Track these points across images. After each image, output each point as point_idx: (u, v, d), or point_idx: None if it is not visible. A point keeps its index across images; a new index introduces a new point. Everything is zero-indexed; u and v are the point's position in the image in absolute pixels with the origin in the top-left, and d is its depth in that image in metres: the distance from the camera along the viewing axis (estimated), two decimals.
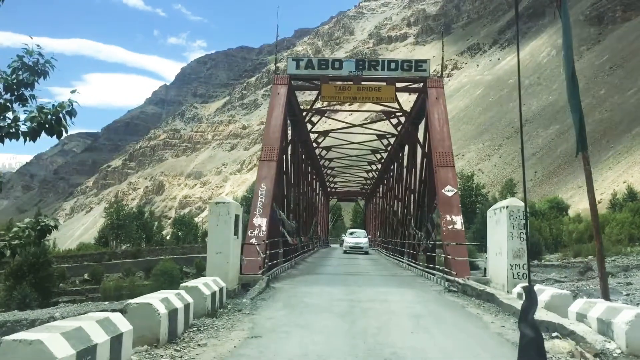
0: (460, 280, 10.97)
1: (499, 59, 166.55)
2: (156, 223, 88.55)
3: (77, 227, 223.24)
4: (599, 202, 65.24)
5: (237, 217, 10.76)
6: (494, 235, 10.88)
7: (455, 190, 14.19)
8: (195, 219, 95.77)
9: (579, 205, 63.61)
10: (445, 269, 12.82)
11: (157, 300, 5.94)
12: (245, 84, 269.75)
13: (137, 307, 5.73)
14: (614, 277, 19.53)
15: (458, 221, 13.46)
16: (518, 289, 9.45)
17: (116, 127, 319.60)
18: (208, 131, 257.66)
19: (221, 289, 8.72)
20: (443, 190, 14.23)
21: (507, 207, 10.14)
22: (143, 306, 5.78)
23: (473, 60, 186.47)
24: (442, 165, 14.82)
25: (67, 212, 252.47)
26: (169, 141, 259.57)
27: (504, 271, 10.23)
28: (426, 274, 15.63)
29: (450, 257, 12.41)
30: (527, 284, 4.86)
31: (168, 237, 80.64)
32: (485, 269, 11.55)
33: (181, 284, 7.99)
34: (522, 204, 10.37)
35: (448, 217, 13.61)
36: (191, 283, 8.06)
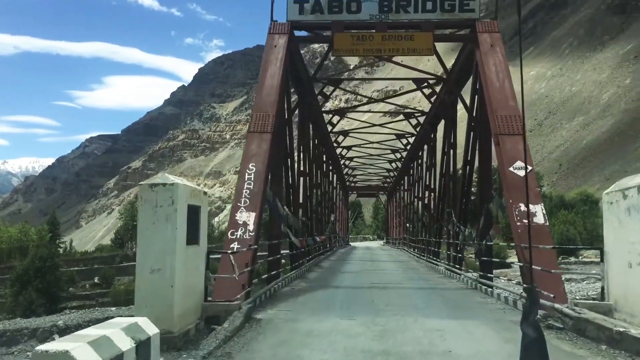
0: (568, 311, 6.51)
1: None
2: None
3: (99, 229, 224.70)
4: None
5: (193, 209, 6.50)
6: (624, 233, 6.44)
7: (531, 168, 9.71)
8: (215, 219, 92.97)
9: None
10: (525, 285, 8.41)
11: None
12: None
13: None
14: None
15: (539, 212, 8.97)
16: None
17: (136, 129, 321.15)
18: (226, 131, 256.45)
19: (140, 344, 4.56)
20: (511, 169, 9.77)
21: None
22: None
23: None
24: (507, 133, 10.31)
25: (89, 213, 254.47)
26: (188, 141, 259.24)
27: None
28: (482, 286, 11.28)
29: (537, 267, 7.91)
30: (529, 285, 4.89)
31: None
32: (602, 287, 7.07)
33: (36, 349, 3.88)
34: None
35: (522, 207, 9.16)
36: (58, 344, 3.90)
